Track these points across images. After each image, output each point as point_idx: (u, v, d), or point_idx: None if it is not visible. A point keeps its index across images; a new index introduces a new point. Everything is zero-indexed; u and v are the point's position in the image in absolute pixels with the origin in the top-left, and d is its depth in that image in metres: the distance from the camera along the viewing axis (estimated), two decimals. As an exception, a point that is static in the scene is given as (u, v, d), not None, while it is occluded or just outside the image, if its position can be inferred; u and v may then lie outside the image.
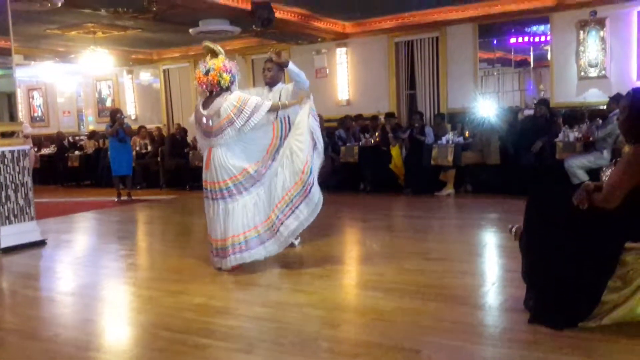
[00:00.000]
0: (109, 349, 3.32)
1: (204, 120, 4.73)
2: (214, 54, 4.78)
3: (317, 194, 4.71)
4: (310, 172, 4.68)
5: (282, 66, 5.17)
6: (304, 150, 4.70)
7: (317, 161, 4.90)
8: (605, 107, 8.05)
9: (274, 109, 4.78)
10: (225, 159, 4.67)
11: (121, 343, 3.45)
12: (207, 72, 4.70)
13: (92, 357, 3.12)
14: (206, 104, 4.77)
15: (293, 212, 4.68)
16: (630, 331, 3.03)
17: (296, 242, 5.42)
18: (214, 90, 4.73)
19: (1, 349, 3.35)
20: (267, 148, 4.78)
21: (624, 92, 3.52)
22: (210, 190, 4.75)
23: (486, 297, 3.83)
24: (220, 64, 4.71)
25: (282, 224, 4.66)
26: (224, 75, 4.68)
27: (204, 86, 4.74)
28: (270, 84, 5.23)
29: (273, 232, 4.69)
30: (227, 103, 4.64)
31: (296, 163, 4.71)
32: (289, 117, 4.89)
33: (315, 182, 4.75)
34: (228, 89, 4.73)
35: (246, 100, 4.67)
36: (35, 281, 5.08)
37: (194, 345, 3.19)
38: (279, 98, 5.06)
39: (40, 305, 4.29)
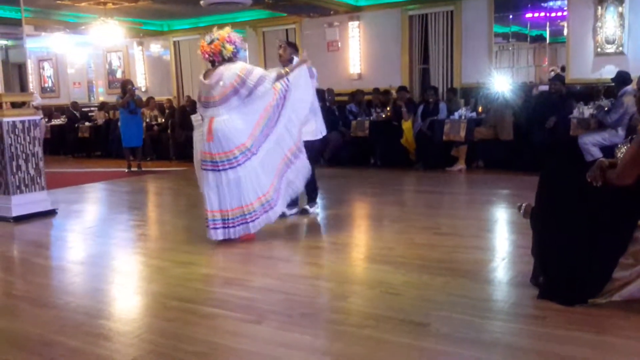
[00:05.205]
0: (119, 317, 3.35)
1: (205, 90, 4.70)
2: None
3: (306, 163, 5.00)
4: (300, 149, 4.95)
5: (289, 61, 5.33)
6: (298, 127, 4.95)
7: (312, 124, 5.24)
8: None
9: (280, 78, 4.81)
10: (228, 129, 4.61)
11: (131, 312, 3.48)
12: (210, 42, 4.67)
13: (102, 324, 3.15)
14: (208, 74, 4.74)
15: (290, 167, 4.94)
16: (640, 308, 3.01)
17: (311, 210, 5.74)
18: (216, 61, 4.69)
19: (13, 316, 3.40)
20: (261, 113, 4.76)
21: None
22: (213, 162, 4.62)
23: (496, 272, 3.82)
24: (225, 34, 4.67)
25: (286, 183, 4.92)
26: (227, 45, 4.63)
27: (206, 55, 4.70)
28: (285, 64, 5.34)
29: (278, 192, 4.86)
30: (229, 72, 4.60)
31: (292, 134, 4.91)
32: (287, 80, 4.86)
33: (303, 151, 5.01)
34: (230, 60, 4.67)
35: (250, 71, 4.64)
36: (46, 250, 5.14)
37: (204, 315, 3.22)
38: None
39: (51, 273, 4.34)
